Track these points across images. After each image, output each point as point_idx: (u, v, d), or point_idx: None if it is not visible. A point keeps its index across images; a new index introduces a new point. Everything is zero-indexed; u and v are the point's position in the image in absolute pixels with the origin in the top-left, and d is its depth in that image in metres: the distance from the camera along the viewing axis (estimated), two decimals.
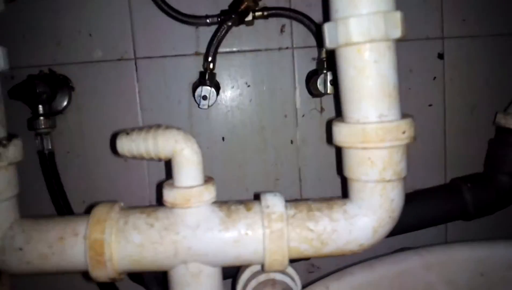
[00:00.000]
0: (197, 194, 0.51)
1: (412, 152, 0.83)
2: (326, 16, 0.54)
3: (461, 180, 0.78)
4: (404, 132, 0.48)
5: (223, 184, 0.83)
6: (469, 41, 0.83)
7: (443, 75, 0.83)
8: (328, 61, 0.74)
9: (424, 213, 0.74)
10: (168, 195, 0.52)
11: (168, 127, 0.52)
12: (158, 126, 0.52)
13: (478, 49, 0.83)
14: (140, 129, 0.53)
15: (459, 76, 0.83)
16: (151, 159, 0.53)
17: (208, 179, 0.54)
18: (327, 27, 0.50)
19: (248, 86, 0.82)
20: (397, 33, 0.48)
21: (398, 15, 0.48)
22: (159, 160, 0.53)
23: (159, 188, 0.55)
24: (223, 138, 0.83)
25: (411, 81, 0.83)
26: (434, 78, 0.83)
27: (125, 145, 0.53)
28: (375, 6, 0.48)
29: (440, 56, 0.82)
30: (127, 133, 0.53)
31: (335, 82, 0.64)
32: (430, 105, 0.84)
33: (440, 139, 0.85)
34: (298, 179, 0.85)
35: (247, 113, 0.83)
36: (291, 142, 0.83)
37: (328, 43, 0.51)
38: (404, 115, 0.51)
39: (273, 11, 0.77)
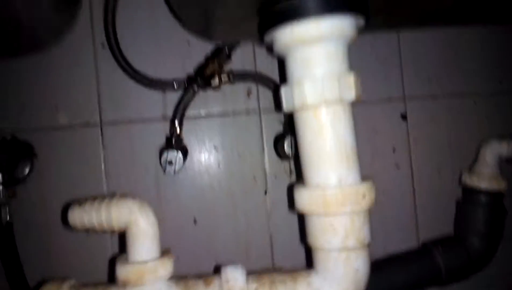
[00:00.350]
0: (151, 270, 0.47)
1: (383, 214, 0.82)
2: (283, 79, 0.54)
3: (432, 244, 0.76)
4: (364, 196, 0.47)
5: (190, 255, 0.79)
6: (431, 101, 0.85)
7: (407, 136, 0.84)
8: (292, 124, 0.74)
9: (397, 280, 0.70)
10: (121, 271, 0.48)
11: (123, 196, 0.49)
12: (113, 196, 0.50)
13: (439, 109, 0.85)
14: (94, 199, 0.50)
15: (423, 136, 0.84)
16: (105, 231, 0.50)
17: (164, 252, 0.50)
18: (283, 90, 0.51)
19: (217, 149, 0.81)
20: (352, 95, 0.48)
21: (352, 78, 0.48)
22: (113, 232, 0.50)
23: (112, 264, 0.51)
24: (191, 203, 0.80)
25: (377, 142, 0.83)
26: (398, 137, 0.84)
27: (77, 216, 0.50)
28: (329, 69, 0.48)
29: (403, 117, 0.84)
30: (80, 204, 0.50)
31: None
32: (397, 166, 0.83)
33: (410, 200, 0.84)
34: (269, 245, 0.81)
35: (216, 177, 0.81)
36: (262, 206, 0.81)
37: (285, 106, 0.51)
38: (364, 178, 0.50)
39: (239, 75, 0.78)
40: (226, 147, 0.81)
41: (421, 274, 0.72)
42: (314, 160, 0.48)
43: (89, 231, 0.51)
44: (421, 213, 0.84)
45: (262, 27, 0.52)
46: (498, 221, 0.75)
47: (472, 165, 0.80)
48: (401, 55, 0.84)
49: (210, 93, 0.80)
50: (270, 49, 0.54)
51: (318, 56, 0.48)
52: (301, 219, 0.53)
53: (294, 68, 0.50)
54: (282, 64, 0.53)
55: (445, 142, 0.85)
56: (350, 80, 0.48)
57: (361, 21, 0.52)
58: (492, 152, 0.76)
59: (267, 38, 0.53)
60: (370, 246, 0.50)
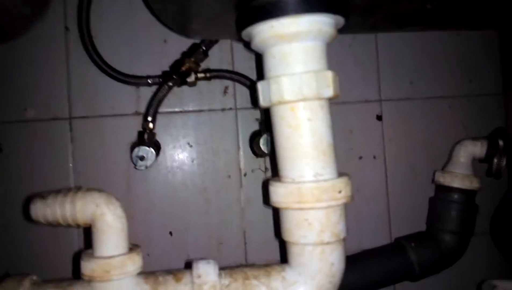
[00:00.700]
0: (118, 265, 0.45)
1: (357, 211, 0.82)
2: (261, 76, 0.53)
3: (405, 239, 0.77)
4: (340, 191, 0.46)
5: (161, 251, 0.77)
6: (405, 103, 0.86)
7: (382, 136, 0.85)
8: (268, 121, 0.74)
9: (370, 275, 0.71)
10: (86, 266, 0.46)
11: (89, 189, 0.47)
12: (78, 189, 0.48)
13: (414, 111, 0.86)
14: (58, 192, 0.48)
15: (397, 136, 0.85)
16: (69, 226, 0.47)
17: (133, 247, 0.48)
18: (260, 86, 0.50)
19: (191, 146, 0.80)
20: (329, 92, 0.48)
21: (329, 75, 0.48)
22: (78, 226, 0.47)
23: (77, 259, 0.49)
24: (163, 200, 0.78)
25: (352, 142, 0.84)
26: (374, 138, 0.85)
27: (39, 210, 0.47)
28: (307, 66, 0.48)
29: (379, 117, 0.85)
30: (43, 197, 0.48)
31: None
32: (371, 165, 0.84)
33: (383, 198, 0.85)
34: (243, 242, 0.80)
35: (189, 174, 0.79)
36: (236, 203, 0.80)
37: (262, 101, 0.50)
38: (340, 174, 0.50)
39: (216, 73, 0.77)
40: (201, 143, 0.80)
41: (394, 269, 0.73)
42: (291, 155, 0.48)
43: (53, 225, 0.48)
44: (394, 210, 0.85)
45: (240, 23, 0.51)
46: (470, 218, 0.77)
47: (446, 164, 0.81)
48: (379, 58, 0.85)
49: (185, 89, 0.79)
50: (248, 45, 0.53)
51: (296, 53, 0.48)
52: (276, 214, 0.52)
53: (272, 64, 0.49)
54: (260, 60, 0.52)
55: (420, 142, 0.86)
56: (328, 77, 0.48)
57: (341, 21, 0.52)
58: (465, 152, 0.78)
59: (245, 34, 0.52)
60: (345, 241, 0.49)
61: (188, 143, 0.80)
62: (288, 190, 0.46)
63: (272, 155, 0.52)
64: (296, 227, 0.47)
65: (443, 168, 0.81)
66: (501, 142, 0.75)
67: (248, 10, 0.50)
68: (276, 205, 0.48)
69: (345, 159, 0.83)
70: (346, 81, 0.83)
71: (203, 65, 0.77)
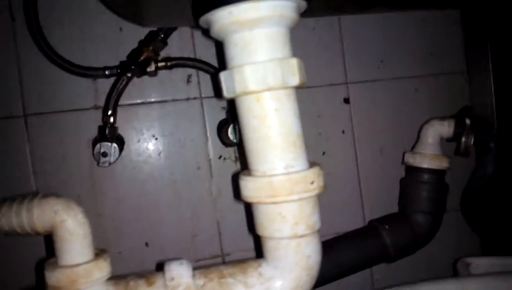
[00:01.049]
0: (85, 273, 0.43)
1: (329, 195, 0.83)
2: (222, 65, 0.51)
3: (379, 222, 0.78)
4: (312, 182, 0.45)
5: (133, 248, 0.75)
6: (372, 85, 0.86)
7: (350, 119, 0.85)
8: (234, 112, 0.72)
9: (346, 261, 0.72)
10: (51, 277, 0.43)
11: (46, 195, 0.44)
12: (35, 195, 0.44)
13: (381, 93, 0.86)
14: (13, 199, 0.45)
15: (365, 119, 0.85)
16: (28, 234, 0.44)
17: (99, 253, 0.46)
18: (223, 76, 0.48)
19: (156, 138, 0.77)
20: (295, 80, 0.46)
21: (295, 62, 0.46)
22: (37, 234, 0.44)
23: (39, 269, 0.46)
24: (131, 196, 0.75)
25: (321, 127, 0.83)
26: (342, 121, 0.84)
27: None
28: (271, 54, 0.46)
29: (346, 100, 0.84)
30: None
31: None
32: (341, 149, 0.84)
33: (354, 182, 0.85)
34: (217, 233, 0.79)
35: (156, 167, 0.77)
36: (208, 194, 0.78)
37: (226, 93, 0.48)
38: (312, 164, 0.49)
39: (176, 62, 0.74)
40: (167, 135, 0.77)
41: (370, 253, 0.74)
42: (259, 148, 0.46)
43: (12, 235, 0.45)
44: (366, 192, 0.86)
45: (197, 10, 0.48)
46: (441, 197, 0.78)
47: (414, 145, 0.82)
48: (343, 41, 0.84)
49: (146, 80, 0.76)
50: (207, 32, 0.50)
51: (259, 41, 0.46)
52: (248, 209, 0.51)
53: (234, 53, 0.47)
54: (221, 49, 0.49)
55: (388, 124, 0.87)
56: (294, 65, 0.46)
57: (303, 4, 0.50)
58: (433, 132, 0.79)
59: (203, 21, 0.49)
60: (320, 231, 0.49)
61: (153, 136, 0.77)
62: (259, 184, 0.45)
63: (241, 145, 0.50)
64: (269, 221, 0.46)
65: (412, 149, 0.82)
66: (468, 121, 0.76)
67: None
68: (248, 199, 0.47)
69: (314, 145, 0.82)
70: (312, 65, 0.82)
71: (163, 53, 0.74)
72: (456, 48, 0.90)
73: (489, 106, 0.82)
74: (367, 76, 0.86)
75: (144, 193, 0.76)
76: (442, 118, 0.80)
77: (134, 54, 0.72)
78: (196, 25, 0.52)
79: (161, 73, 0.75)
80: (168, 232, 0.77)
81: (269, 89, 0.45)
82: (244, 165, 0.78)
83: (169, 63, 0.73)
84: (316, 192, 0.46)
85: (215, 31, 0.48)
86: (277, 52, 0.47)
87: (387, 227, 0.75)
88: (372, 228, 0.78)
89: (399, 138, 0.86)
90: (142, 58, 0.71)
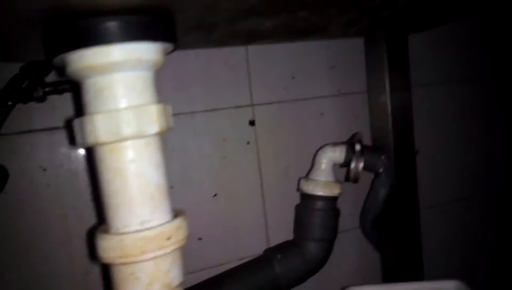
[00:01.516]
0: None
1: (233, 219, 0.81)
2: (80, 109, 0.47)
3: (272, 251, 0.78)
4: (169, 238, 0.43)
5: None
6: (277, 107, 0.85)
7: (256, 141, 0.83)
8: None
9: None
10: None
11: None
12: None
13: (286, 115, 0.85)
14: None
15: (270, 141, 0.84)
16: None
17: None
18: (76, 124, 0.44)
19: (45, 169, 0.72)
20: (154, 128, 0.44)
21: (154, 109, 0.44)
22: None
23: None
24: (19, 231, 0.70)
25: (226, 150, 0.81)
26: (248, 143, 0.83)
27: None
28: (127, 101, 0.43)
29: (252, 122, 0.83)
30: None
31: None
32: (246, 172, 0.83)
33: (259, 204, 0.84)
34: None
35: (46, 201, 0.72)
36: None
37: (80, 142, 0.44)
38: (177, 213, 0.47)
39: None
40: (56, 165, 0.72)
41: (260, 285, 0.73)
42: (114, 203, 0.43)
43: None
44: (271, 216, 0.85)
45: (49, 51, 0.45)
46: (332, 224, 0.78)
47: (309, 171, 0.82)
48: (249, 63, 0.82)
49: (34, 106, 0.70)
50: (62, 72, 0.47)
51: (113, 87, 0.43)
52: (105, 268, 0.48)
53: (88, 99, 0.44)
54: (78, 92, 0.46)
55: (292, 146, 0.86)
56: (152, 112, 0.43)
57: (169, 46, 0.47)
58: (326, 159, 0.78)
59: (59, 62, 0.45)
60: (183, 284, 0.47)
61: (40, 166, 0.71)
62: (111, 243, 0.42)
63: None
64: (123, 283, 0.43)
65: (307, 175, 0.81)
66: (357, 147, 0.76)
67: (52, 38, 0.44)
68: (102, 260, 0.44)
69: (218, 168, 0.80)
70: (217, 87, 0.80)
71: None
72: (359, 71, 0.90)
73: (386, 127, 0.83)
74: (273, 98, 0.84)
75: (31, 227, 0.71)
76: (335, 144, 0.80)
77: (14, 82, 0.66)
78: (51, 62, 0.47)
79: (51, 98, 0.69)
80: (58, 269, 0.72)
81: (123, 139, 0.43)
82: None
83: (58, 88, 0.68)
84: (173, 247, 0.44)
85: (69, 74, 0.45)
86: (135, 99, 0.44)
87: (279, 256, 0.75)
88: (265, 258, 0.77)
89: (304, 160, 0.86)
90: (25, 85, 0.65)
